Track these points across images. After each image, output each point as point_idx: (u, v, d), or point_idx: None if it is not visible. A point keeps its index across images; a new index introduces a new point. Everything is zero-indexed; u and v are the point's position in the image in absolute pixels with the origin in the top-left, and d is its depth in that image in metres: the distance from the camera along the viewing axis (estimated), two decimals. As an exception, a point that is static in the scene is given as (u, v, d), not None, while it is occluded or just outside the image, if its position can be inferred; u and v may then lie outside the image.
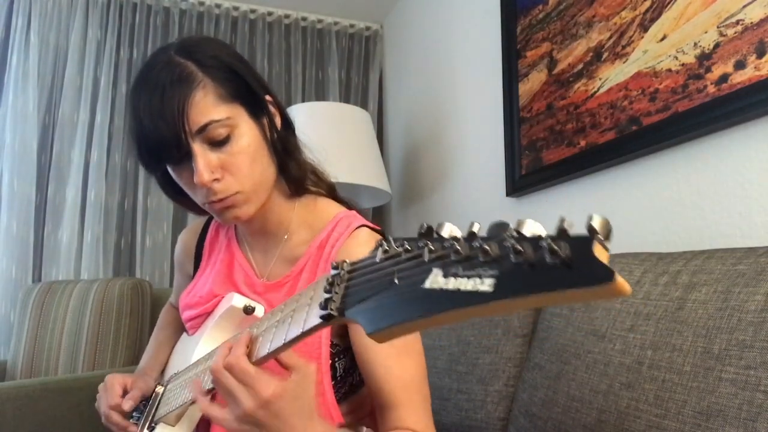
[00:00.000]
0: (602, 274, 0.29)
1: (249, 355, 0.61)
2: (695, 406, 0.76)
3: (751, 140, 1.05)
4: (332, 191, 0.93)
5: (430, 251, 0.38)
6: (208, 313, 0.88)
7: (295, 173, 0.85)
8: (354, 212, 0.89)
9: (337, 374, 0.82)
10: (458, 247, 0.36)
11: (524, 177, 1.65)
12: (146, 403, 0.92)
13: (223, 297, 0.86)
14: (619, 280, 0.29)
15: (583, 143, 1.41)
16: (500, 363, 1.20)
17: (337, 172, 0.97)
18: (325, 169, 0.94)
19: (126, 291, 2.01)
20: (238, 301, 0.80)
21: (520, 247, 0.32)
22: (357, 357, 0.80)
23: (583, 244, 0.31)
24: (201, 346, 0.84)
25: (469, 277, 0.34)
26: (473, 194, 1.99)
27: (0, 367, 2.06)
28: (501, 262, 0.33)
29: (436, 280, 0.36)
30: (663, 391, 0.81)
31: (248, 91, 0.79)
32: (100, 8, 2.50)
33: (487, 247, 0.34)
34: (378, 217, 2.79)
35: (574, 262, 0.30)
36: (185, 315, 0.92)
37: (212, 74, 0.76)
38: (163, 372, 1.00)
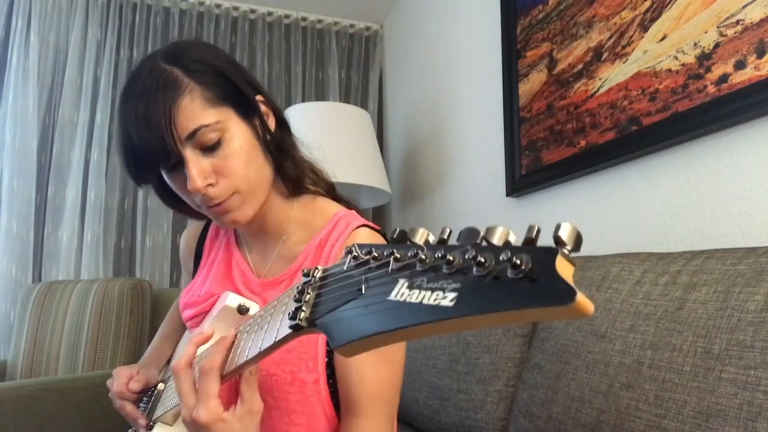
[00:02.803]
0: (563, 293, 0.27)
1: (229, 362, 0.64)
2: (695, 406, 0.76)
3: (751, 140, 1.05)
4: (331, 190, 0.93)
5: (396, 260, 0.37)
6: (206, 313, 0.88)
7: (291, 172, 0.84)
8: (353, 211, 0.88)
9: (335, 372, 0.82)
10: (423, 256, 0.35)
11: (524, 177, 1.65)
12: (148, 399, 0.92)
13: (219, 296, 0.86)
14: (580, 300, 0.27)
15: (583, 143, 1.41)
16: (500, 363, 1.20)
17: (337, 172, 0.97)
18: (324, 167, 0.93)
19: (126, 291, 2.01)
20: (233, 300, 0.80)
21: (482, 259, 0.31)
22: (335, 357, 0.80)
23: (546, 257, 0.29)
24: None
25: (432, 290, 0.33)
26: (473, 194, 1.99)
27: (0, 367, 2.06)
28: (465, 274, 0.32)
29: (401, 291, 0.35)
30: (663, 391, 0.81)
31: (238, 93, 0.78)
32: (100, 8, 2.50)
33: (450, 257, 0.33)
34: (378, 217, 2.79)
35: (536, 277, 0.29)
36: (185, 314, 0.92)
37: (199, 78, 0.75)
38: (166, 367, 1.01)
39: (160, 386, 0.92)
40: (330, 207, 0.89)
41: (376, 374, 0.77)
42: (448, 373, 1.30)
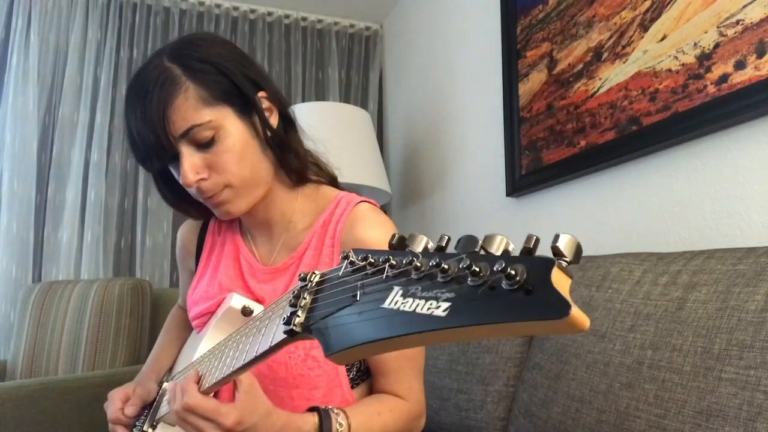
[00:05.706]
0: (557, 307, 0.26)
1: (200, 383, 0.66)
2: (695, 406, 0.76)
3: (751, 140, 1.05)
4: (334, 181, 0.95)
5: (392, 266, 0.36)
6: (212, 313, 0.89)
7: (294, 165, 0.87)
8: (354, 193, 0.91)
9: None
10: (418, 264, 0.34)
11: (524, 177, 1.65)
12: (150, 407, 0.92)
13: (230, 292, 0.86)
14: (575, 315, 0.26)
15: (583, 143, 1.41)
16: (500, 363, 1.20)
17: (337, 172, 0.98)
18: (329, 160, 0.96)
19: (126, 291, 2.01)
20: (237, 302, 0.80)
21: (476, 268, 0.30)
22: None
23: (542, 268, 0.28)
24: (202, 347, 0.84)
25: (426, 299, 0.32)
26: (473, 194, 1.99)
27: (0, 367, 2.06)
28: (459, 284, 0.31)
29: (395, 299, 0.35)
30: (663, 391, 0.81)
31: (237, 92, 0.80)
32: (100, 8, 2.50)
33: (445, 266, 0.32)
34: (378, 217, 2.79)
35: (531, 289, 0.28)
36: (192, 312, 0.92)
37: (197, 78, 0.78)
38: (171, 370, 1.01)
39: (165, 386, 0.91)
40: (332, 192, 0.92)
41: None
42: (448, 373, 1.30)
